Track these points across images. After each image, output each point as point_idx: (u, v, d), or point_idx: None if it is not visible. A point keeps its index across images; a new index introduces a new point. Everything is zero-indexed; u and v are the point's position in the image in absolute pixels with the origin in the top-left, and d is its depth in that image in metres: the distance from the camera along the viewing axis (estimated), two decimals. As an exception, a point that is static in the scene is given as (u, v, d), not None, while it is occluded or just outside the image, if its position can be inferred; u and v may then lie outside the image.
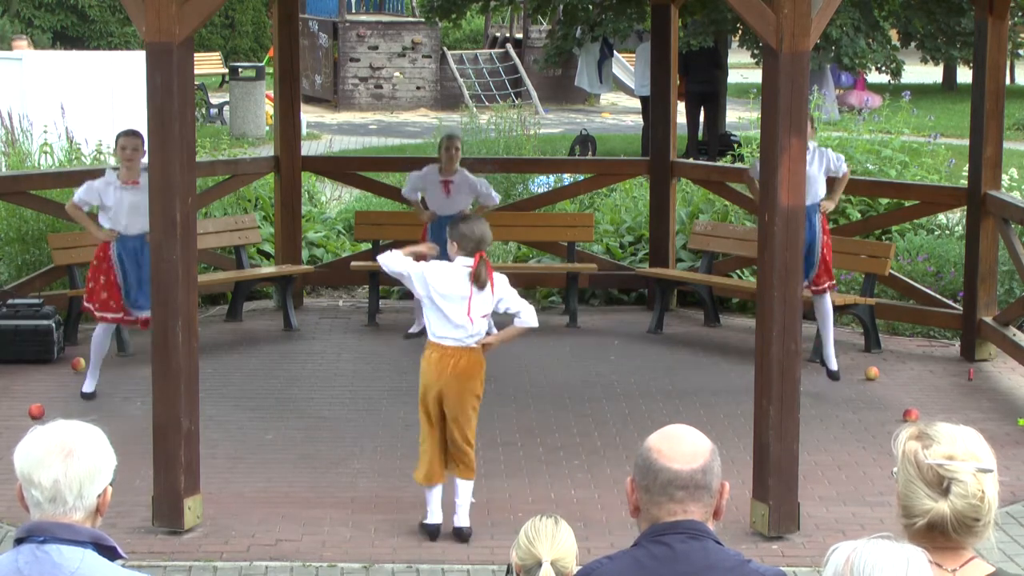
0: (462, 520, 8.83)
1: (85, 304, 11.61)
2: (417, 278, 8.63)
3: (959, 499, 3.69)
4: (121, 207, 11.29)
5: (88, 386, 11.54)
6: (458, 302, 8.54)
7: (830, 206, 12.19)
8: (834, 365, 12.14)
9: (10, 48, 25.38)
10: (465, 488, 8.83)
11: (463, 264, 8.60)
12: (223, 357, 12.81)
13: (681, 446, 3.94)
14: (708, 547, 3.91)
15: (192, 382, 8.89)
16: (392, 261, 8.73)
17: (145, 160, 10.23)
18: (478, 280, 8.53)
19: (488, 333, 8.82)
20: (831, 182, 12.19)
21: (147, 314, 10.88)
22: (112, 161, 16.13)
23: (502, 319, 8.80)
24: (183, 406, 8.79)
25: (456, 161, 13.34)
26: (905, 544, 3.50)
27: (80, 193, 11.53)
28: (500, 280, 8.70)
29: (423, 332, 9.19)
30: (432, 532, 8.83)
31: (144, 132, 9.01)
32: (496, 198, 13.72)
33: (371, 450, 10.53)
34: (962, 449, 3.74)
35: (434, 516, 8.85)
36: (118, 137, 11.56)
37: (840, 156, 12.17)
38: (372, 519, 9.15)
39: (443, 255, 8.95)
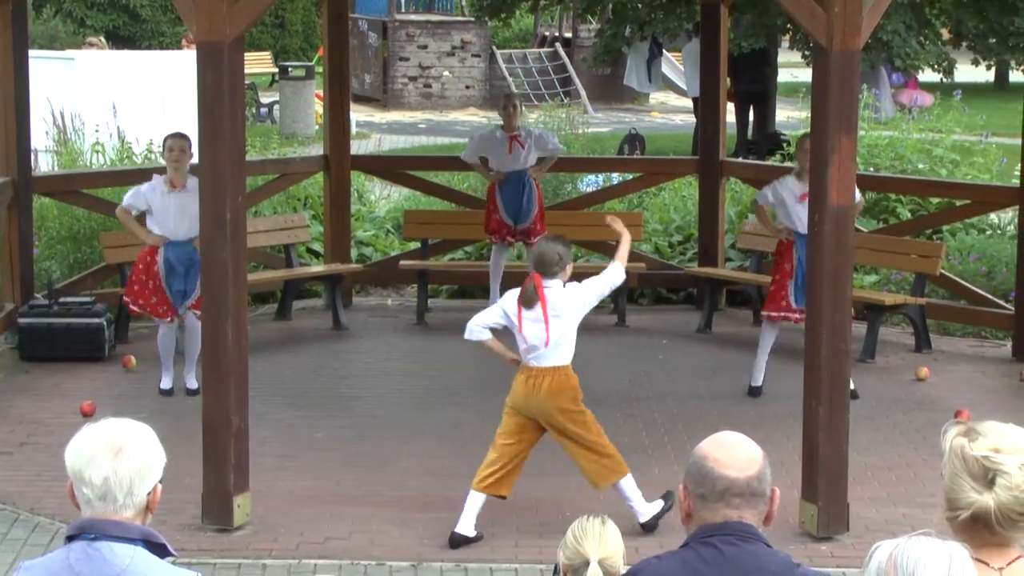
0: (644, 515, 8.80)
1: (126, 299, 11.69)
2: (501, 316, 8.67)
3: (1004, 491, 3.69)
4: (168, 211, 11.30)
5: (165, 383, 11.64)
6: (530, 324, 8.56)
7: None
8: None
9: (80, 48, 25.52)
10: (627, 485, 8.79)
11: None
12: (273, 356, 12.84)
13: (737, 453, 3.98)
14: (757, 550, 3.95)
15: (242, 380, 8.92)
16: (480, 326, 8.64)
17: (194, 162, 10.26)
18: (526, 301, 8.55)
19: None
20: None
21: (192, 300, 10.99)
22: (163, 161, 16.24)
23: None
24: (233, 404, 8.82)
25: (516, 118, 13.64)
26: (948, 540, 3.50)
27: (128, 198, 11.61)
28: (572, 289, 8.67)
29: None
30: (455, 541, 8.66)
31: (194, 131, 9.04)
32: (559, 147, 14.18)
33: (420, 449, 10.54)
34: (1008, 443, 3.75)
35: (464, 526, 8.69)
36: (166, 139, 11.60)
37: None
38: (421, 518, 9.15)
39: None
